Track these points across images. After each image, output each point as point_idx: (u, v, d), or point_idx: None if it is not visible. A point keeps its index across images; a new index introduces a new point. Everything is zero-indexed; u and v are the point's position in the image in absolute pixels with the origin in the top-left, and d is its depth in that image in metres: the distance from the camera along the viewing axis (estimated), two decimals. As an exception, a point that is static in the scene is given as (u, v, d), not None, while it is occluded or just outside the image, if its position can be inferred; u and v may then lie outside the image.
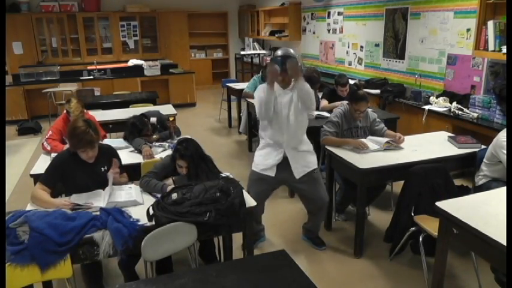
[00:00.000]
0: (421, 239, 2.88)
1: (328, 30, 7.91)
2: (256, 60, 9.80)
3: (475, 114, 4.47)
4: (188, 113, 8.46)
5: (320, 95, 5.21)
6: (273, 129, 3.11)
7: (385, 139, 3.51)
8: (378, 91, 5.92)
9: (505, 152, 2.89)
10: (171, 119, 4.69)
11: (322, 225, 3.72)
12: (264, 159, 3.18)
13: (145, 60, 9.15)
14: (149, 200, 2.60)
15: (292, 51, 3.07)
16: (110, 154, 2.88)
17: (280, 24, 9.67)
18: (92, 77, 8.46)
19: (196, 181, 2.69)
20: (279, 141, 3.12)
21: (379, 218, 3.93)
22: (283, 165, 3.14)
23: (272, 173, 3.16)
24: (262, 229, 3.54)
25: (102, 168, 2.79)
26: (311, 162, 3.22)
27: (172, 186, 2.65)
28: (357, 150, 3.36)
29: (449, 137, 3.72)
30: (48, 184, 2.62)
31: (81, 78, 8.38)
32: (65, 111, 3.83)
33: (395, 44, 6.18)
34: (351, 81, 5.38)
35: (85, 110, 3.93)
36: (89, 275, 2.77)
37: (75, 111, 3.66)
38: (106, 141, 3.62)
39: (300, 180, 3.19)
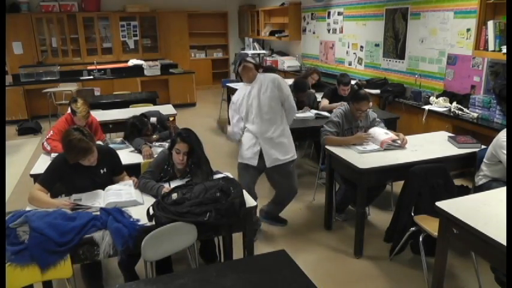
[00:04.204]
0: (421, 239, 2.88)
1: (328, 30, 7.91)
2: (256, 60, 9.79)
3: (475, 114, 4.47)
4: (188, 113, 8.46)
5: (319, 95, 5.22)
6: (249, 121, 3.41)
7: (389, 133, 3.51)
8: (378, 91, 5.92)
9: (505, 152, 2.89)
10: (171, 119, 4.69)
11: (322, 225, 3.75)
12: (245, 150, 3.44)
13: (145, 60, 9.15)
14: (149, 200, 2.60)
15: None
16: (110, 156, 2.88)
17: (280, 24, 9.67)
18: (92, 77, 8.46)
19: (195, 171, 2.75)
20: (255, 131, 3.39)
21: (379, 218, 3.93)
22: (261, 154, 3.41)
23: (254, 162, 3.42)
24: (257, 219, 3.59)
25: (102, 171, 2.79)
26: (285, 154, 3.43)
27: (168, 188, 2.65)
28: (358, 147, 3.37)
29: (449, 137, 3.71)
30: (46, 185, 2.60)
31: (81, 78, 8.38)
32: (69, 111, 3.78)
33: (395, 44, 6.18)
34: (352, 81, 5.39)
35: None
36: (88, 275, 2.77)
37: (82, 111, 3.62)
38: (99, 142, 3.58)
39: (272, 169, 3.45)
